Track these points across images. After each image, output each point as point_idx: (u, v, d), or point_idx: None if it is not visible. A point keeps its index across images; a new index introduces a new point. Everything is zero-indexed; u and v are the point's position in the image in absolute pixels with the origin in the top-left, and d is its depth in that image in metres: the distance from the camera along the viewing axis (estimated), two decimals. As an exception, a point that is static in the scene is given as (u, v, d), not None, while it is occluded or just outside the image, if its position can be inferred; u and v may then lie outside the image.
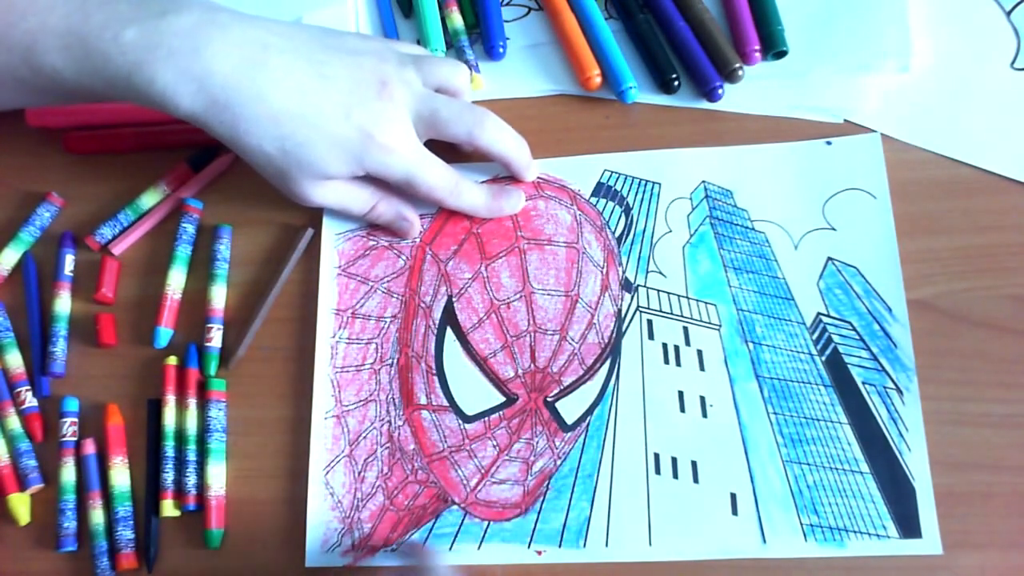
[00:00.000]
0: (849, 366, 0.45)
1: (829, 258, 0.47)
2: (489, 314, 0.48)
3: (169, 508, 0.46)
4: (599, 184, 0.51)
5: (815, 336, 0.46)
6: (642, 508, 0.44)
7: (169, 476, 0.47)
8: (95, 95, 0.45)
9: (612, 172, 0.51)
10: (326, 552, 0.45)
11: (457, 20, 0.55)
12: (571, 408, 0.46)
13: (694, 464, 0.44)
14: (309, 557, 0.45)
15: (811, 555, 0.42)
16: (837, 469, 0.43)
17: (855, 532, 0.42)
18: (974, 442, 0.43)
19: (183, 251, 0.51)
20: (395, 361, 0.48)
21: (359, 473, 0.46)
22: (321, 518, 0.45)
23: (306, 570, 0.45)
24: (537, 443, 0.46)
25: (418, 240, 0.51)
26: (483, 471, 0.46)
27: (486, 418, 0.47)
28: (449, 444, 0.46)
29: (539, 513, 0.44)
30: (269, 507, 0.47)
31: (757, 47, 0.51)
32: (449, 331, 0.48)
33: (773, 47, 0.51)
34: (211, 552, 0.46)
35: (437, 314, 0.49)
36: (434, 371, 0.48)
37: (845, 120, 0.50)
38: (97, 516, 0.47)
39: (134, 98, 0.44)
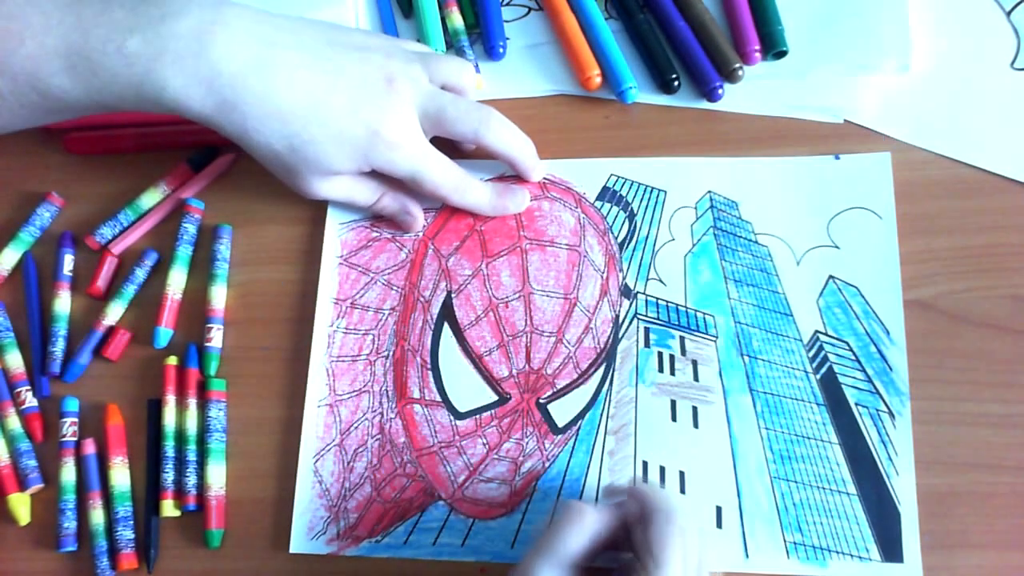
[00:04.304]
0: (843, 386, 0.44)
1: (831, 276, 0.46)
2: (487, 312, 0.48)
3: (169, 508, 0.47)
4: (605, 188, 0.50)
5: (811, 354, 0.45)
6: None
7: (169, 476, 0.47)
8: (107, 108, 0.44)
9: (619, 177, 0.50)
10: (311, 539, 0.45)
11: (457, 20, 0.55)
12: (563, 411, 0.46)
13: (682, 474, 0.44)
14: (294, 543, 0.45)
15: (793, 572, 0.42)
16: (824, 488, 0.43)
17: (838, 552, 0.42)
18: (974, 442, 0.43)
19: (184, 251, 0.52)
20: (391, 353, 0.49)
21: (348, 463, 0.47)
22: (308, 505, 0.46)
23: (290, 556, 0.45)
24: (527, 444, 0.46)
25: (421, 234, 0.51)
26: (471, 468, 0.46)
27: (478, 416, 0.47)
28: (439, 439, 0.47)
29: (524, 514, 0.45)
30: (269, 507, 0.47)
31: (757, 47, 0.51)
32: (446, 327, 0.49)
33: (773, 47, 0.51)
34: (211, 552, 0.46)
35: (435, 309, 0.49)
36: (429, 366, 0.48)
37: (845, 120, 0.50)
38: (97, 516, 0.47)
39: (146, 107, 0.43)
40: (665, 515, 0.36)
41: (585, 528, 0.36)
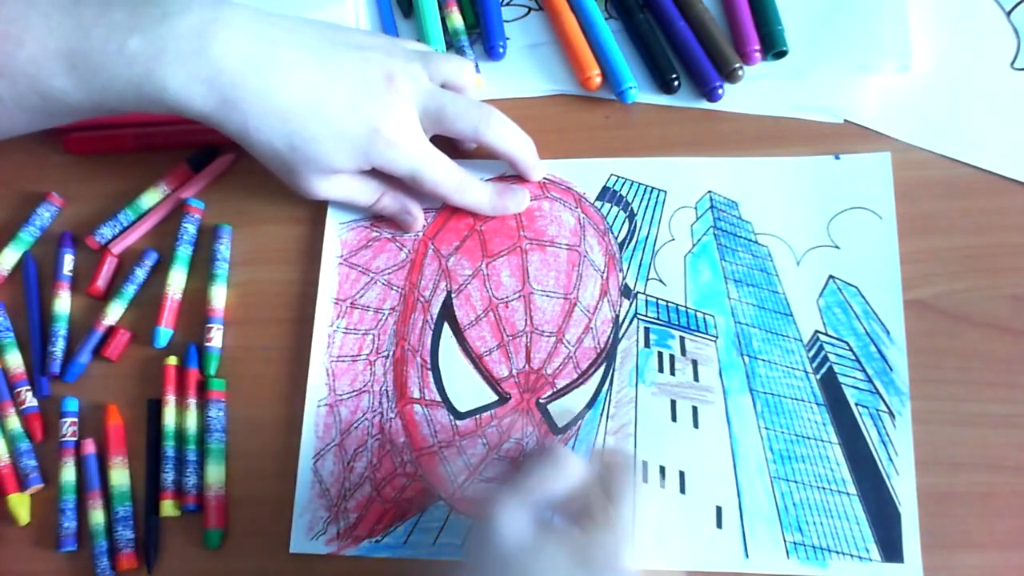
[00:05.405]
0: (843, 386, 0.44)
1: (831, 276, 0.46)
2: (487, 312, 0.48)
3: (169, 508, 0.47)
4: (605, 188, 0.50)
5: (811, 354, 0.45)
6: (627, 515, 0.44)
7: (169, 476, 0.47)
8: (108, 110, 0.44)
9: (619, 177, 0.50)
10: (311, 539, 0.45)
11: (457, 20, 0.55)
12: (563, 411, 0.46)
13: (682, 474, 0.44)
14: (293, 543, 0.45)
15: (793, 572, 0.42)
16: (824, 488, 0.43)
17: (838, 552, 0.42)
18: (974, 442, 0.43)
19: (184, 251, 0.51)
20: (391, 353, 0.49)
21: (348, 463, 0.47)
22: (308, 505, 0.46)
23: (290, 556, 0.45)
24: (527, 444, 0.46)
25: (421, 234, 0.51)
26: (471, 468, 0.46)
27: (477, 416, 0.47)
28: (439, 439, 0.47)
29: (524, 514, 0.45)
30: (269, 507, 0.47)
31: (757, 47, 0.51)
32: (446, 327, 0.48)
33: (773, 47, 0.51)
34: (211, 552, 0.46)
35: (435, 309, 0.49)
36: (429, 366, 0.48)
37: (845, 120, 0.50)
38: (97, 516, 0.47)
39: (147, 107, 0.43)
40: (624, 470, 0.40)
41: (568, 476, 0.35)
